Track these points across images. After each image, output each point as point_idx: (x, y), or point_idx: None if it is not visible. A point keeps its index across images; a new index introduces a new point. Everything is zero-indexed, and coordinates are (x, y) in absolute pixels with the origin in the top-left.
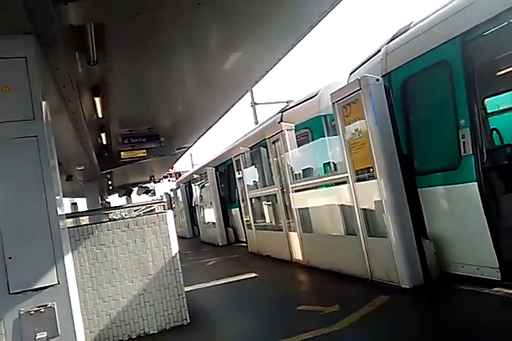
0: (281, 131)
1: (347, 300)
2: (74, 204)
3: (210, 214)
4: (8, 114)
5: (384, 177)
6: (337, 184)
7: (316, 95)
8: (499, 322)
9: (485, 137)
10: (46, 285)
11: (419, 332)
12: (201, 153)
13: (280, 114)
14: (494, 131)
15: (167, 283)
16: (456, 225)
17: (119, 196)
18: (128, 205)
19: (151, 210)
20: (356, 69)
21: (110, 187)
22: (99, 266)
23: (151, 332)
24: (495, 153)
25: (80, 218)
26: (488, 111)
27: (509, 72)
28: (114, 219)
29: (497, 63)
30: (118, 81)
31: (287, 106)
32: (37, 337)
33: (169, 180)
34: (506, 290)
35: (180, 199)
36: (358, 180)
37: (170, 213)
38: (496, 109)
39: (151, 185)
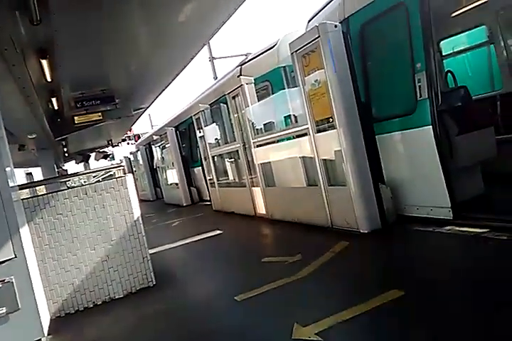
0: (241, 85)
1: (309, 248)
2: (29, 174)
3: (172, 175)
4: None
5: (343, 127)
6: (298, 136)
7: (274, 46)
8: (449, 257)
9: (440, 80)
10: (2, 259)
11: (376, 273)
12: (161, 113)
13: (239, 68)
14: (449, 74)
15: (130, 248)
16: (411, 169)
17: (76, 163)
18: (85, 171)
19: (111, 175)
20: (314, 16)
21: (66, 154)
22: (58, 235)
23: (117, 297)
24: (449, 95)
25: (37, 188)
26: (444, 54)
27: (464, 12)
28: (73, 187)
29: (452, 4)
30: (65, 41)
31: (246, 59)
32: None
33: (128, 143)
34: (457, 228)
35: (141, 162)
36: (319, 131)
37: (130, 177)
38: (451, 51)
39: (109, 150)
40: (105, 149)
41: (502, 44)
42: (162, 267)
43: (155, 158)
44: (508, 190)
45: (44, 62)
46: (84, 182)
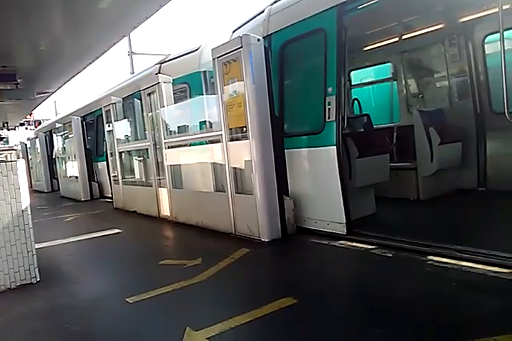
0: (158, 83)
1: (210, 253)
2: None
3: (72, 168)
4: None
5: (255, 138)
6: (211, 142)
7: (197, 49)
8: (339, 269)
9: (347, 106)
10: None
11: (272, 280)
12: (67, 101)
13: (158, 66)
14: (355, 101)
15: (14, 239)
16: (314, 185)
17: None
18: None
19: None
20: (239, 27)
21: None
22: None
23: None
24: (353, 120)
25: None
26: (353, 83)
27: (374, 48)
28: None
29: (367, 38)
30: None
31: (166, 58)
32: None
33: (26, 128)
34: (349, 243)
35: (39, 149)
36: (231, 140)
37: (21, 162)
38: (359, 82)
39: (3, 133)
40: None
41: (403, 82)
42: (49, 263)
43: (55, 147)
44: (396, 212)
45: None
46: None
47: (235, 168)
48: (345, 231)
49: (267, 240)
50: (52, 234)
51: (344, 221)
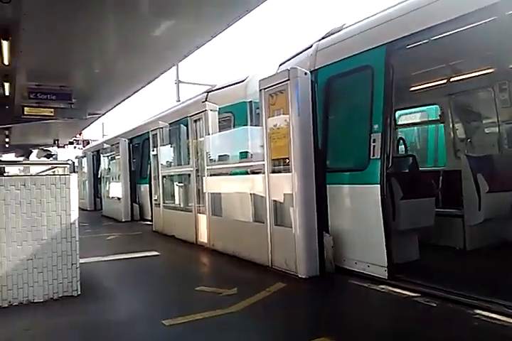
0: (205, 110)
1: (246, 284)
2: None
3: (116, 188)
4: None
5: (298, 172)
6: (252, 173)
7: (244, 80)
8: (378, 314)
9: (393, 144)
10: None
11: (308, 318)
12: (114, 124)
13: (206, 94)
14: (401, 141)
15: (61, 251)
16: (355, 223)
17: (16, 156)
18: (28, 161)
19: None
20: (286, 61)
21: (7, 145)
22: None
23: (36, 301)
24: (399, 160)
25: None
26: (398, 123)
27: (421, 90)
28: (10, 176)
29: (414, 78)
30: (32, 27)
31: (213, 87)
32: None
33: (75, 147)
34: (391, 288)
35: (86, 168)
36: (273, 172)
37: (74, 176)
38: (405, 123)
39: (53, 150)
40: (50, 148)
41: (450, 125)
42: (90, 278)
43: (101, 167)
44: (440, 260)
45: (5, 43)
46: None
47: (275, 200)
48: (387, 275)
49: (304, 277)
50: (94, 251)
51: (386, 264)
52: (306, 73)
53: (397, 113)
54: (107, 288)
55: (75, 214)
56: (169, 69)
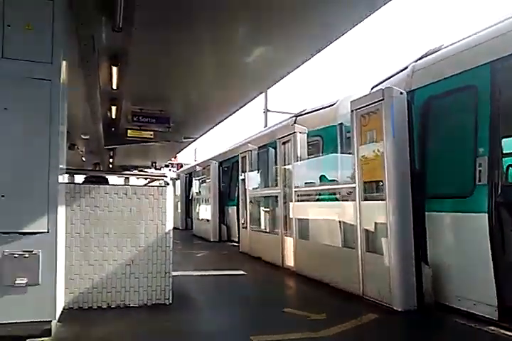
0: (294, 132)
1: (335, 311)
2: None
3: (206, 209)
4: (27, 54)
5: (392, 199)
6: (343, 200)
7: (334, 104)
8: None
9: (501, 170)
10: (35, 231)
11: None
12: (205, 150)
13: (294, 118)
14: (510, 168)
15: (156, 259)
16: (459, 255)
17: (118, 176)
18: (130, 172)
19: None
20: (379, 84)
21: (110, 166)
22: (91, 227)
23: (131, 305)
24: (509, 188)
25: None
26: (504, 152)
27: None
28: (113, 185)
29: None
30: (138, 54)
31: (302, 111)
32: (16, 282)
33: (170, 170)
34: (503, 331)
35: (179, 190)
36: (366, 199)
37: (170, 188)
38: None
39: (151, 171)
40: (147, 170)
41: None
42: (180, 290)
43: (192, 189)
44: None
45: (114, 69)
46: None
47: (367, 229)
48: (497, 316)
49: (399, 309)
50: (184, 265)
51: (496, 304)
52: (401, 93)
53: (504, 141)
54: (196, 300)
55: (169, 225)
56: (260, 94)
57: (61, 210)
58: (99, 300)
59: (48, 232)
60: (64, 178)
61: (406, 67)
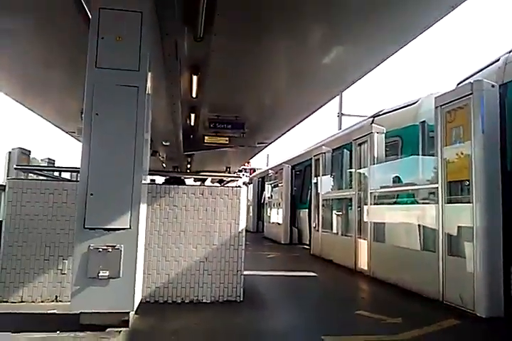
0: (371, 132)
1: (412, 315)
2: (152, 180)
3: (277, 213)
4: (117, 63)
5: (480, 200)
6: (424, 203)
7: (415, 103)
8: None
9: None
10: (118, 227)
11: None
12: (277, 156)
13: (371, 119)
14: None
15: (228, 257)
16: None
17: (194, 181)
18: (208, 174)
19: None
20: (466, 79)
21: (188, 171)
22: (169, 225)
23: (204, 301)
24: None
25: None
26: None
27: None
28: (191, 185)
29: None
30: (217, 63)
31: (380, 111)
32: (100, 274)
33: (243, 175)
34: None
35: (251, 194)
36: (449, 202)
37: (244, 189)
38: None
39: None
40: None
41: None
42: (251, 288)
43: (264, 193)
44: None
45: (194, 78)
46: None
47: (449, 233)
48: None
49: (483, 316)
50: (255, 265)
51: None
52: (493, 86)
53: None
54: (267, 300)
55: (243, 224)
56: (333, 98)
57: (143, 209)
58: (174, 295)
59: (130, 229)
60: (147, 180)
61: (497, 60)
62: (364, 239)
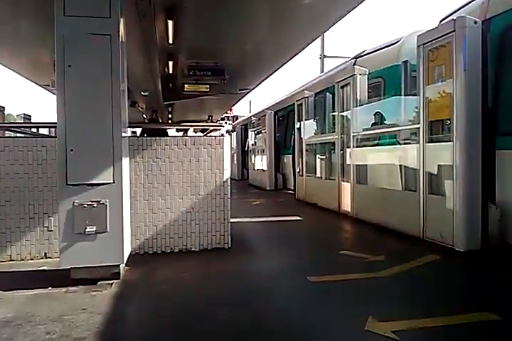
0: (353, 74)
1: (394, 253)
2: (133, 132)
3: (262, 160)
4: (86, 10)
5: (461, 139)
6: (405, 143)
7: (396, 42)
8: None
9: None
10: (102, 182)
11: (467, 293)
12: (260, 102)
13: (354, 60)
14: None
15: (215, 206)
16: None
17: (176, 131)
18: (190, 124)
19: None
20: (448, 16)
21: (169, 121)
22: (153, 178)
23: (193, 250)
24: None
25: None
26: None
27: None
28: (173, 136)
29: None
30: (193, 5)
31: (362, 52)
32: (87, 230)
33: (226, 123)
34: None
35: (234, 142)
36: (431, 141)
37: (227, 138)
38: None
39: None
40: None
41: None
42: (238, 235)
43: (248, 140)
44: None
45: (170, 23)
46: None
47: (430, 172)
48: None
49: (461, 250)
50: (241, 213)
51: None
52: (476, 22)
53: None
54: (254, 245)
55: (227, 173)
56: (317, 38)
57: (125, 162)
58: (163, 246)
59: (113, 183)
60: (127, 132)
61: None
62: (347, 182)
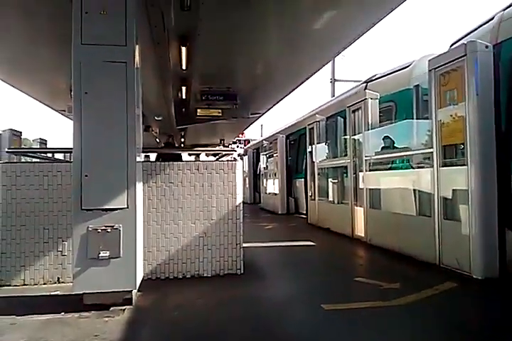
0: (365, 99)
1: (409, 280)
2: (147, 156)
3: (273, 183)
4: (103, 38)
5: (475, 163)
6: (418, 167)
7: (407, 66)
8: None
9: None
10: (116, 207)
11: (486, 325)
12: (271, 126)
13: (365, 84)
14: None
15: (227, 231)
16: None
17: (189, 155)
18: (202, 149)
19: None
20: (459, 40)
21: (182, 145)
22: (166, 202)
23: (205, 275)
24: None
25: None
26: None
27: None
28: (186, 161)
29: None
30: (206, 32)
31: (373, 76)
32: (100, 255)
33: (238, 146)
34: None
35: (246, 165)
36: (444, 165)
37: (239, 163)
38: None
39: (219, 148)
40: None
41: None
42: (251, 260)
43: (260, 164)
44: None
45: (183, 50)
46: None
47: (445, 197)
48: None
49: (479, 277)
50: (253, 237)
51: None
52: (487, 46)
53: None
54: (267, 271)
55: (239, 198)
56: (328, 62)
57: (139, 187)
58: (175, 271)
59: (127, 208)
60: (141, 157)
61: (491, 19)
62: (360, 206)
